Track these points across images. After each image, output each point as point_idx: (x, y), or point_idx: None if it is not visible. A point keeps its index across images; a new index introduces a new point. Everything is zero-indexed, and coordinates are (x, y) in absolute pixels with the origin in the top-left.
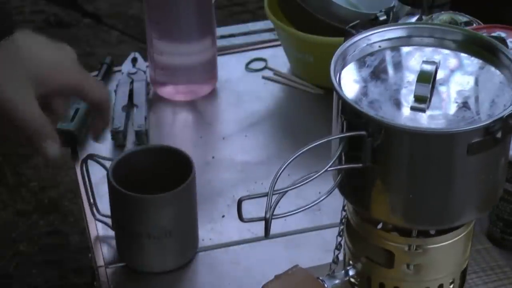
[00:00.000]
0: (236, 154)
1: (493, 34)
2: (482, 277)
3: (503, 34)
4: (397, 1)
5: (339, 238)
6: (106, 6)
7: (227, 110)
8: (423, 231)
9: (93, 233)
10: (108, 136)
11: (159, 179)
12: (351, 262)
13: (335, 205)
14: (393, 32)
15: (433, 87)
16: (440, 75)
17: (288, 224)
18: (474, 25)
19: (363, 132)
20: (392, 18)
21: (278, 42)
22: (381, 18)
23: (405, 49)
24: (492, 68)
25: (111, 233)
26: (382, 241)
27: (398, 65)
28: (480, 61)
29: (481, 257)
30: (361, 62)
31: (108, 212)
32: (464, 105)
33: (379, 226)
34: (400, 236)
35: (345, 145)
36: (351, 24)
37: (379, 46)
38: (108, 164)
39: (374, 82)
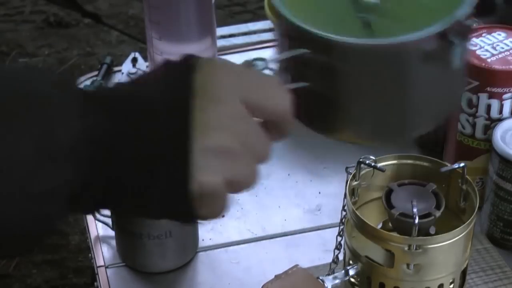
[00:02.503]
0: None
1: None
2: (482, 277)
3: (503, 34)
4: None
5: (339, 238)
6: (106, 6)
7: None
8: (423, 231)
9: (93, 233)
10: None
11: None
12: (351, 262)
13: (335, 205)
14: None
15: None
16: None
17: (288, 224)
18: (474, 25)
19: (306, 50)
20: None
21: None
22: None
23: None
24: None
25: (111, 233)
26: (382, 241)
27: None
28: None
29: (481, 257)
30: None
31: (108, 212)
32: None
33: (379, 226)
34: (400, 236)
35: (290, 66)
36: None
37: None
38: None
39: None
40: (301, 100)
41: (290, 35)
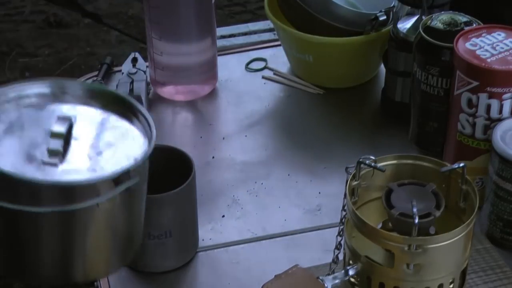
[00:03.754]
0: (236, 154)
1: None
2: (482, 277)
3: (503, 34)
4: (397, 1)
5: (339, 238)
6: (106, 6)
7: (227, 110)
8: (423, 231)
9: None
10: None
11: (159, 179)
12: (351, 262)
13: (335, 205)
14: (33, 88)
15: (67, 143)
16: (77, 130)
17: (288, 224)
18: (474, 25)
19: None
20: (392, 18)
21: (278, 42)
22: (381, 18)
23: (44, 106)
24: (127, 123)
25: None
26: (382, 241)
27: (36, 122)
28: (117, 116)
29: (481, 257)
30: None
31: None
32: (96, 158)
33: (379, 226)
34: (400, 236)
35: None
36: None
37: (18, 103)
38: None
39: (8, 139)
40: None
41: None
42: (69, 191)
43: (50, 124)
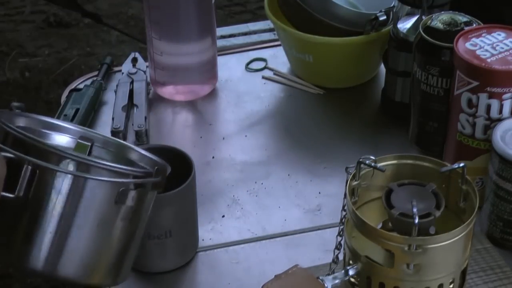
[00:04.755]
0: (236, 154)
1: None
2: (482, 277)
3: (503, 34)
4: (397, 1)
5: (339, 238)
6: (106, 6)
7: (227, 110)
8: (423, 231)
9: None
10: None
11: None
12: (351, 262)
13: (335, 205)
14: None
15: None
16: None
17: (288, 224)
18: (474, 25)
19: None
20: (392, 18)
21: (278, 42)
22: (381, 18)
23: None
24: None
25: None
26: (382, 241)
27: None
28: None
29: (481, 257)
30: None
31: None
32: None
33: (379, 226)
34: (400, 236)
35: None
36: None
37: None
38: None
39: None
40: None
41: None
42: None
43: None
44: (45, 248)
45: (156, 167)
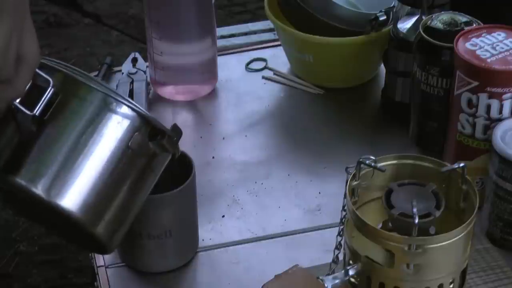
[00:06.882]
0: (236, 154)
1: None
2: (482, 277)
3: (503, 34)
4: (397, 1)
5: (339, 238)
6: (106, 6)
7: (227, 110)
8: (423, 231)
9: None
10: None
11: (159, 179)
12: (351, 262)
13: (335, 205)
14: None
15: None
16: None
17: (288, 224)
18: (474, 25)
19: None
20: (392, 18)
21: (278, 42)
22: (381, 18)
23: None
24: None
25: None
26: (382, 241)
27: None
28: None
29: (481, 257)
30: None
31: None
32: None
33: (379, 226)
34: (400, 236)
35: None
36: None
37: None
38: None
39: None
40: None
41: None
42: None
43: None
44: (52, 173)
45: (172, 126)
